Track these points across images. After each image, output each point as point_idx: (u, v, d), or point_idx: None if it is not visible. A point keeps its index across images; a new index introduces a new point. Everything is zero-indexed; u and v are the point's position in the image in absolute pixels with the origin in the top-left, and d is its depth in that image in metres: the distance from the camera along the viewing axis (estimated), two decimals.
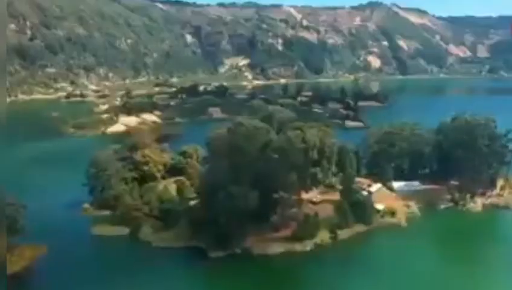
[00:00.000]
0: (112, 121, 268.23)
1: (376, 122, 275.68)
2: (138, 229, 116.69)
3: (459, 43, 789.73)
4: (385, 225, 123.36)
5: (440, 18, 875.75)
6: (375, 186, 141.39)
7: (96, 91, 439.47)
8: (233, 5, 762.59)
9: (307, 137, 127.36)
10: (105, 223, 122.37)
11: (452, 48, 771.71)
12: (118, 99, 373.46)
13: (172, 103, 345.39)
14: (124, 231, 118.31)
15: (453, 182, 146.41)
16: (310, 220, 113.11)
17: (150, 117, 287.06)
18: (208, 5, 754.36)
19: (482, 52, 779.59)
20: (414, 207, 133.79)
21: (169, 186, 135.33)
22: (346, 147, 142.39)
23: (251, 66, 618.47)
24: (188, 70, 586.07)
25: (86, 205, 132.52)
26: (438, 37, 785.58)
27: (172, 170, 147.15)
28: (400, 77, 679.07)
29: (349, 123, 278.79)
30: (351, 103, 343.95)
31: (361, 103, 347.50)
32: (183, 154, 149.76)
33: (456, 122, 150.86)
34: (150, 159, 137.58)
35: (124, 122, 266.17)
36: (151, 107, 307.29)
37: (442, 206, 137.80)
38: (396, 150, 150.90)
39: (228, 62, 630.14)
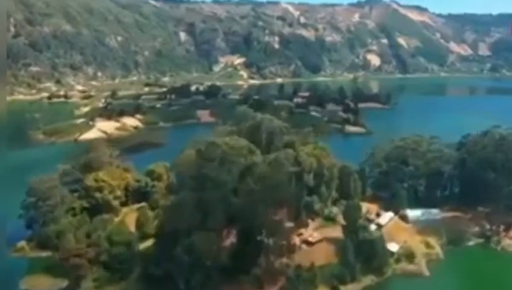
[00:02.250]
0: (88, 127, 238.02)
1: (379, 127, 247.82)
2: (78, 283, 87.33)
3: (459, 41, 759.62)
4: (401, 273, 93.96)
5: (440, 15, 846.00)
6: (386, 216, 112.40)
7: (82, 91, 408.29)
8: (228, 1, 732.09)
9: (300, 157, 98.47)
10: (40, 271, 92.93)
11: (453, 46, 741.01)
12: (103, 100, 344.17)
13: (158, 105, 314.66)
14: (62, 284, 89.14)
15: (481, 209, 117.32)
16: (303, 275, 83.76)
17: (131, 121, 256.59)
18: (203, 2, 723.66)
19: (483, 50, 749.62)
20: (436, 246, 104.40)
21: (128, 218, 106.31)
22: (349, 168, 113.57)
23: (247, 65, 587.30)
24: (181, 69, 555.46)
25: (22, 243, 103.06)
26: (438, 35, 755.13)
27: (137, 195, 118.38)
28: (400, 75, 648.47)
29: (350, 128, 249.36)
30: (351, 104, 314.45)
31: (361, 105, 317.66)
32: (150, 174, 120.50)
33: (487, 137, 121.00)
34: (104, 185, 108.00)
35: (101, 128, 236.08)
36: (134, 110, 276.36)
37: (470, 243, 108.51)
38: (410, 169, 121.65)
39: (223, 61, 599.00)
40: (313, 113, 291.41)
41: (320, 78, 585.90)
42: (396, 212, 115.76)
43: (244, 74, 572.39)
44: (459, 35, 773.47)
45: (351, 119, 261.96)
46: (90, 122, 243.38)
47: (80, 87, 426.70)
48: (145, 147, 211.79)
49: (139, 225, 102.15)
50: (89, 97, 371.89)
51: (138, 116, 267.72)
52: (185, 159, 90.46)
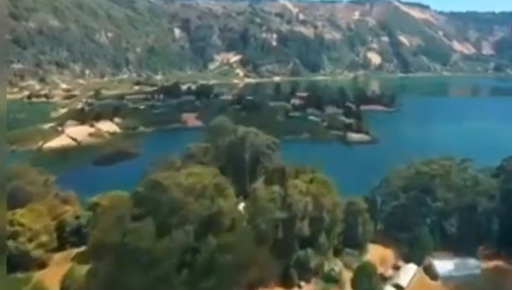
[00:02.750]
0: (56, 133, 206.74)
1: (385, 134, 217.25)
2: None
3: (462, 39, 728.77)
4: None
5: (442, 13, 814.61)
6: (407, 271, 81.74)
7: (67, 90, 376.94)
8: None
9: (291, 197, 68.00)
10: None
11: (456, 45, 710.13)
12: (85, 100, 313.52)
13: (142, 107, 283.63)
14: None
15: None
16: None
17: (107, 126, 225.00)
18: None
19: (487, 49, 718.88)
20: None
21: (54, 274, 75.65)
22: (358, 206, 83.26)
23: (243, 63, 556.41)
24: (175, 67, 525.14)
25: None
26: (440, 33, 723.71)
27: (77, 236, 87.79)
28: (402, 74, 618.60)
29: (353, 136, 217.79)
30: (353, 107, 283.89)
31: (364, 107, 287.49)
32: (94, 208, 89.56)
33: None
34: (21, 229, 77.19)
35: (72, 134, 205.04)
36: (113, 113, 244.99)
37: None
38: (439, 204, 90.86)
39: (219, 58, 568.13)
40: (311, 118, 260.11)
41: (319, 77, 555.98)
42: (419, 263, 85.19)
43: (240, 72, 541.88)
44: (461, 34, 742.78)
45: (354, 125, 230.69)
46: (59, 128, 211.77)
47: (64, 86, 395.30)
48: (119, 158, 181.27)
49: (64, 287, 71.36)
50: (71, 97, 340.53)
51: (117, 119, 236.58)
52: (106, 219, 58.95)
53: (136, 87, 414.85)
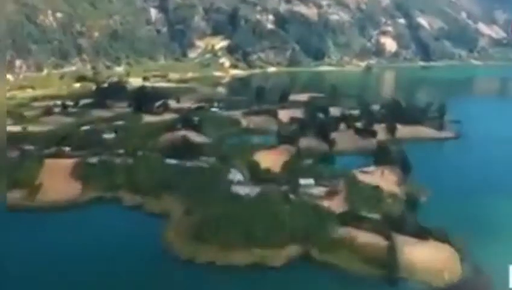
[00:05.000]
0: None
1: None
2: None
3: (489, 21, 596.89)
4: None
5: None
6: None
7: None
8: None
9: None
10: None
11: (482, 27, 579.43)
12: None
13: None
14: None
15: None
16: None
17: None
18: None
19: None
20: None
21: None
22: None
23: (230, 50, 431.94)
24: (144, 55, 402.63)
25: None
26: (464, 14, 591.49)
27: None
28: (422, 63, 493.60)
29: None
30: (381, 131, 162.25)
31: (402, 130, 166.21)
32: None
33: None
34: None
35: None
36: None
37: None
38: None
39: (201, 44, 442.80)
40: (308, 162, 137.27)
41: (323, 67, 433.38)
42: None
43: (226, 61, 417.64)
44: (488, 15, 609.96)
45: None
46: None
47: None
48: None
49: None
50: None
51: None
52: None
53: (77, 85, 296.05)
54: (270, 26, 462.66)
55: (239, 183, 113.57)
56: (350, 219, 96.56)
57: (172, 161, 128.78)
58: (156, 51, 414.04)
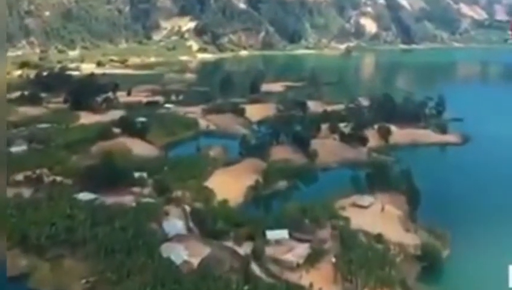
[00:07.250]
0: None
1: None
2: None
3: (471, 2, 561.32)
4: None
5: None
6: None
7: None
8: None
9: None
10: None
11: (464, 8, 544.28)
12: None
13: None
14: None
15: None
16: None
17: None
18: None
19: (501, 14, 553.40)
20: None
21: None
22: None
23: (198, 32, 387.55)
24: (103, 38, 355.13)
25: None
26: None
27: None
28: (403, 46, 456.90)
29: None
30: (375, 133, 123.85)
31: (398, 134, 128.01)
32: None
33: None
34: None
35: None
36: None
37: None
38: None
39: (167, 26, 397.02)
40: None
41: (299, 51, 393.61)
42: None
43: (193, 44, 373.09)
44: None
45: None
46: None
47: None
48: None
49: None
50: None
51: None
52: None
53: (18, 72, 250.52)
54: (241, 5, 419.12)
55: (177, 238, 73.68)
56: None
57: (87, 196, 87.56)
58: (117, 33, 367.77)
